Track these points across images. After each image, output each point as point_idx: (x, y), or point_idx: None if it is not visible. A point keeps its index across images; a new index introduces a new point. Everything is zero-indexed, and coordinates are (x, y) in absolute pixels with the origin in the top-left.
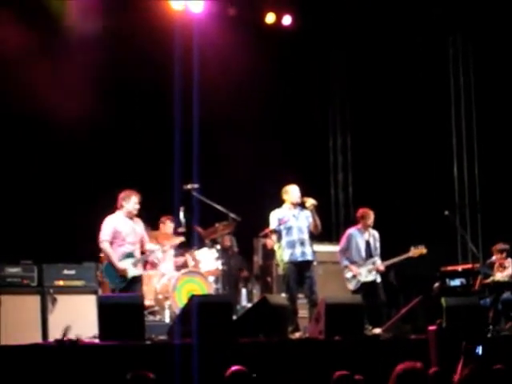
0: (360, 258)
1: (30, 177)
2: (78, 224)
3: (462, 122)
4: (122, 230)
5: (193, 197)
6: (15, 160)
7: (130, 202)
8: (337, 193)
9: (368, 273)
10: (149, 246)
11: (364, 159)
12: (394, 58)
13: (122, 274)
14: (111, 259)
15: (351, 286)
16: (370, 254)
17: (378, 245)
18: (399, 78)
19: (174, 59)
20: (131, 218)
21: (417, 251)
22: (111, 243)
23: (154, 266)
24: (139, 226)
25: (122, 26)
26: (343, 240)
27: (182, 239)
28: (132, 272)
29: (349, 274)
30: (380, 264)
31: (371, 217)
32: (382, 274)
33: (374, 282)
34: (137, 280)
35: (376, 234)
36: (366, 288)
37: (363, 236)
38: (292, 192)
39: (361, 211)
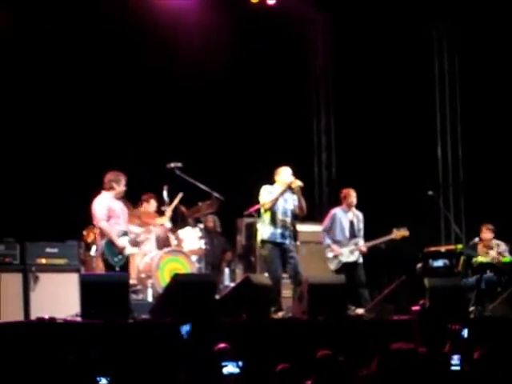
0: (343, 238)
1: (12, 155)
2: (61, 202)
3: (446, 103)
4: (115, 208)
5: (176, 175)
6: None
7: (121, 184)
8: (320, 173)
9: (350, 253)
10: (132, 228)
11: (348, 139)
12: (378, 38)
13: (120, 252)
14: (111, 237)
15: (332, 265)
16: (353, 235)
17: (361, 226)
18: (383, 58)
19: (158, 38)
20: (119, 199)
21: (399, 233)
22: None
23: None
24: (124, 206)
25: (105, 7)
26: (327, 219)
27: (166, 221)
28: (129, 250)
29: (330, 254)
30: (362, 245)
31: (353, 196)
32: (364, 256)
33: (355, 263)
34: (129, 258)
35: (360, 215)
36: (347, 268)
37: (347, 216)
38: (284, 174)
39: (343, 191)
